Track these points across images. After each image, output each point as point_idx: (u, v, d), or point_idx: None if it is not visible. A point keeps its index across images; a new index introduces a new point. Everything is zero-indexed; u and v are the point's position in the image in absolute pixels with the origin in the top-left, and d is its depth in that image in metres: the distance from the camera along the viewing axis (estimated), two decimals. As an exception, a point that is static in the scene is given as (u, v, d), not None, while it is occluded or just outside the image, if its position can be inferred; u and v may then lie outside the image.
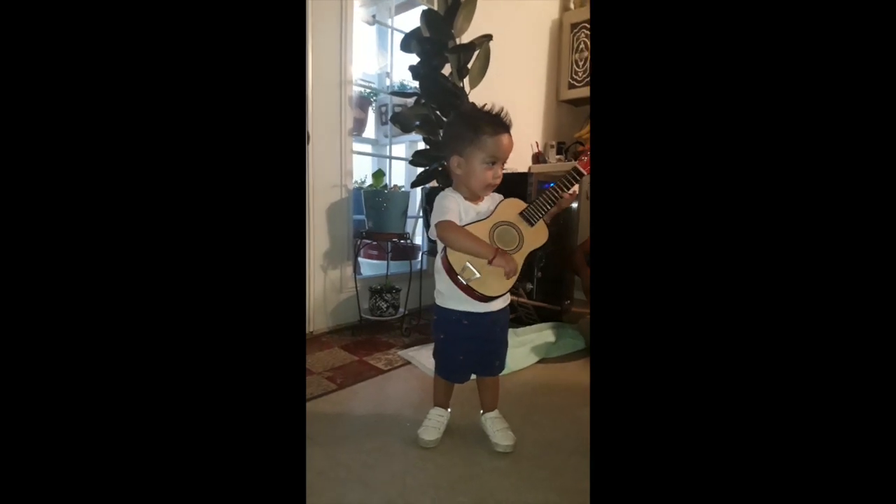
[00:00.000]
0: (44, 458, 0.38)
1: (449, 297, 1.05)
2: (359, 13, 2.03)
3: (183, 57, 0.41)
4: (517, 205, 1.05)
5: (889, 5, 0.35)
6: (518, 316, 2.07)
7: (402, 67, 2.21)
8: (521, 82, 2.86)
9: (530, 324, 2.00)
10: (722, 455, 0.39)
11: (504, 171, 1.04)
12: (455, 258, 0.97)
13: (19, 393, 0.38)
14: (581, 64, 3.00)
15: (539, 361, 1.70)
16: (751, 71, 0.39)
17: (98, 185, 0.40)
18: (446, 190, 1.06)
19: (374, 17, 2.42)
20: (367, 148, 2.51)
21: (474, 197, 1.05)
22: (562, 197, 1.03)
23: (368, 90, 2.43)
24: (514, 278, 0.98)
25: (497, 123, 1.00)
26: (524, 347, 1.73)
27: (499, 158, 1.00)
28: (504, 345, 1.15)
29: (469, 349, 1.09)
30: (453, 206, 1.01)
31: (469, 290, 0.97)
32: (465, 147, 1.00)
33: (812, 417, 0.37)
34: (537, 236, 1.03)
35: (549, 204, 1.03)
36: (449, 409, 1.18)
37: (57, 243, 0.39)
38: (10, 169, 0.37)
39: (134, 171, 0.40)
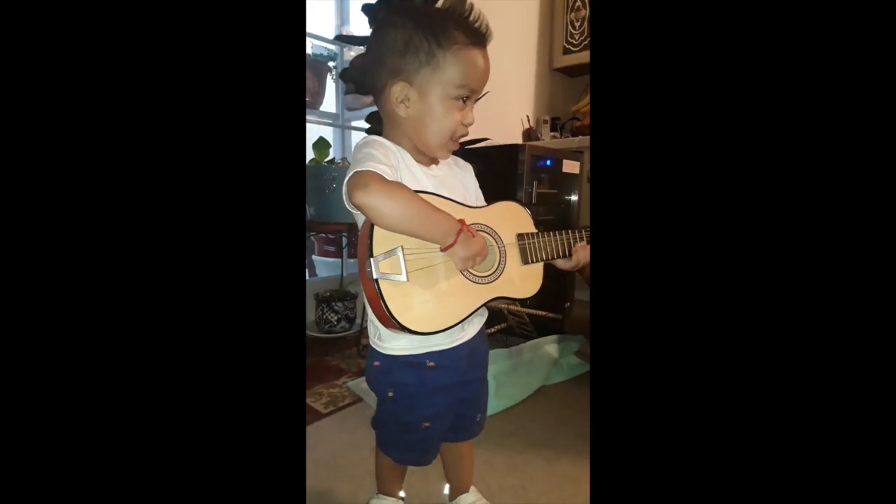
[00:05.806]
0: (41, 453, 0.37)
1: (390, 334, 0.60)
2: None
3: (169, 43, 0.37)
4: (518, 218, 0.65)
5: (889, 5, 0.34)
6: (509, 325, 1.64)
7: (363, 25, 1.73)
8: (507, 46, 2.41)
9: (525, 336, 1.57)
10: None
11: (484, 144, 0.66)
12: (383, 237, 0.53)
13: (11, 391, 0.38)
14: (578, 25, 2.56)
15: (538, 390, 1.28)
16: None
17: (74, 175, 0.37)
18: (372, 137, 0.61)
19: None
20: (325, 127, 2.05)
21: (424, 158, 0.61)
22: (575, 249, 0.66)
23: (324, 53, 1.97)
24: (472, 311, 0.59)
25: (470, 30, 0.57)
26: (518, 372, 1.29)
27: (474, 91, 0.58)
28: (486, 385, 0.73)
29: (439, 408, 0.65)
30: (381, 155, 0.56)
31: (376, 302, 0.54)
32: (418, 67, 0.56)
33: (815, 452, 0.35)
34: (525, 282, 0.64)
35: (567, 247, 0.66)
36: (402, 496, 0.75)
37: (57, 250, 0.36)
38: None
39: (130, 166, 0.37)
